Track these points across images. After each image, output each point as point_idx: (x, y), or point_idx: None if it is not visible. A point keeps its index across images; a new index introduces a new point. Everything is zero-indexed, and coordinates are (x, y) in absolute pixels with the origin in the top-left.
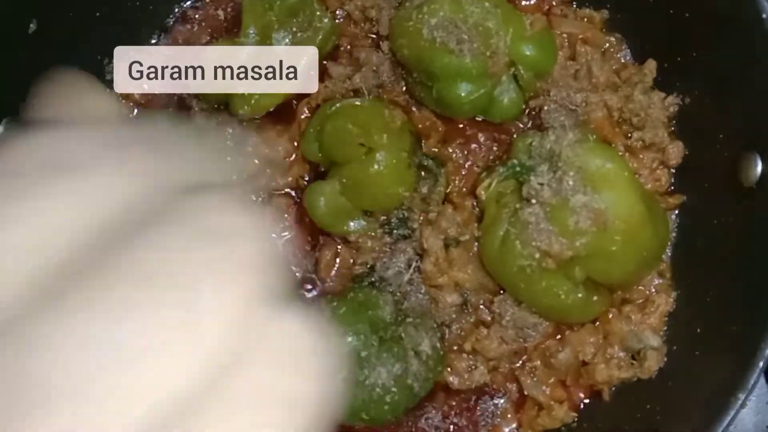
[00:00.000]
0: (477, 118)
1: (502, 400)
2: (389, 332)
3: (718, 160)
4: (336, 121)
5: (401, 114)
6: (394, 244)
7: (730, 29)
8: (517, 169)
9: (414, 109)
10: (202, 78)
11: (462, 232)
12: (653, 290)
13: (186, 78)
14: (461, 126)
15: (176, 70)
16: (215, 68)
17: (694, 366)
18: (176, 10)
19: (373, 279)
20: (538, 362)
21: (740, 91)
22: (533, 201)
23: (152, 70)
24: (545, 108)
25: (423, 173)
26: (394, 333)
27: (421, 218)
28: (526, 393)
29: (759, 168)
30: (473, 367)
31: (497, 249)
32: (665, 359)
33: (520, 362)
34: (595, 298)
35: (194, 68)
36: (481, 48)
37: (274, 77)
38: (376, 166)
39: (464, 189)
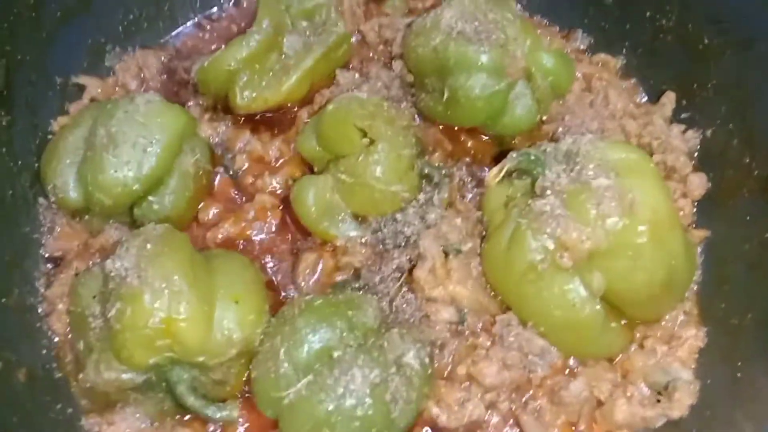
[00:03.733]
0: (485, 138)
1: None
2: (371, 339)
3: (748, 182)
4: (339, 104)
5: (408, 115)
6: (384, 252)
7: (755, 43)
8: (532, 157)
9: (421, 125)
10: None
11: (464, 240)
12: (678, 327)
13: (187, 75)
14: (468, 145)
15: (180, 67)
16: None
17: (732, 400)
18: (191, 16)
19: (356, 286)
20: (545, 400)
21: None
22: (548, 192)
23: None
24: (560, 130)
25: (425, 183)
26: (377, 341)
27: (420, 224)
28: None
29: None
30: (466, 398)
31: (504, 248)
32: (698, 394)
33: (523, 400)
34: (613, 324)
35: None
36: (500, 41)
37: (279, 72)
38: (376, 157)
39: (470, 203)
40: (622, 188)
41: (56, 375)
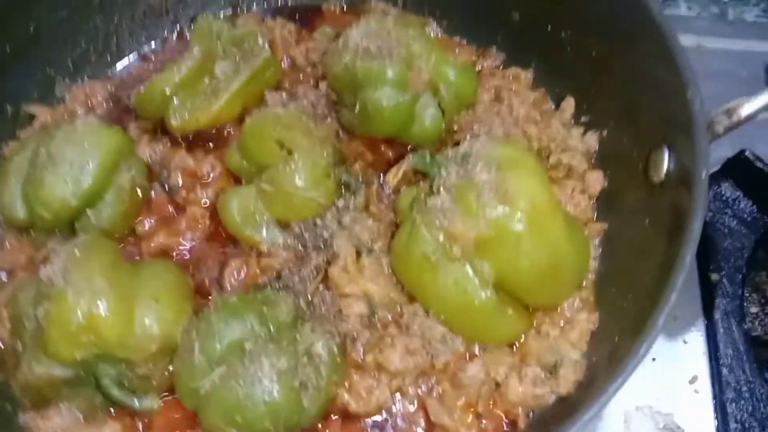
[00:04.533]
0: (403, 147)
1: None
2: (284, 333)
3: (634, 176)
4: (256, 119)
5: (327, 128)
6: (304, 254)
7: (634, 51)
8: (427, 159)
9: (344, 138)
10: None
11: (375, 240)
12: (574, 312)
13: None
14: (389, 155)
15: (123, 95)
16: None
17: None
18: (137, 48)
19: (277, 287)
20: (447, 384)
21: (650, 103)
22: (441, 190)
23: (102, 95)
24: (467, 137)
25: (344, 189)
26: (290, 334)
27: (336, 228)
28: (432, 420)
29: (666, 161)
30: (374, 385)
31: (404, 243)
32: (584, 371)
33: (428, 386)
34: (510, 311)
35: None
36: (401, 55)
37: (210, 94)
38: (293, 167)
39: (384, 203)
40: (500, 180)
41: None
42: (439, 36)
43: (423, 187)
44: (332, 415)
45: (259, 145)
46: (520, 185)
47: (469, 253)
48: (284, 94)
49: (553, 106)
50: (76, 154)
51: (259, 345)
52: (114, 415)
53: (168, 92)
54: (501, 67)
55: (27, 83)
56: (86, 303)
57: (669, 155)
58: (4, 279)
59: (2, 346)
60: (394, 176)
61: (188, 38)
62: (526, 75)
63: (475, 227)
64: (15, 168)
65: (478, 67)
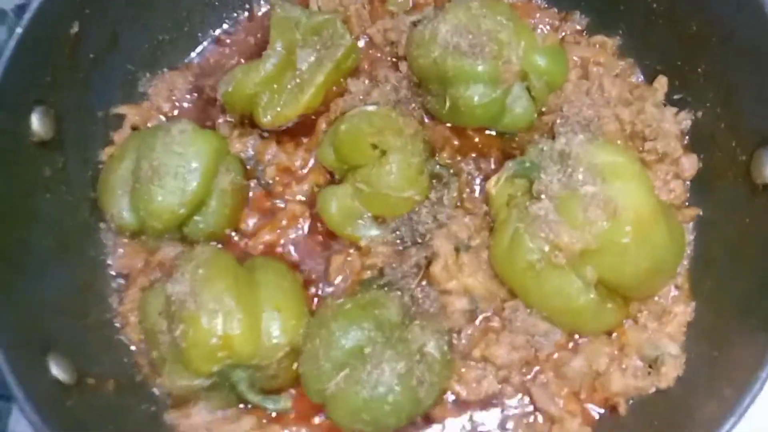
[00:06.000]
0: (491, 132)
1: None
2: (396, 333)
3: (733, 167)
4: (350, 123)
5: (415, 122)
6: (404, 250)
7: (736, 34)
8: (527, 165)
9: (429, 123)
10: (230, 89)
11: (473, 237)
12: (670, 302)
13: (214, 92)
14: (476, 141)
15: (206, 85)
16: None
17: (713, 371)
18: (210, 33)
19: (381, 283)
20: (551, 374)
21: (750, 94)
22: (543, 197)
23: (184, 86)
24: (557, 122)
25: (435, 181)
26: (401, 334)
27: (433, 223)
28: (538, 406)
29: None
30: (482, 376)
31: (506, 247)
32: (684, 367)
33: (532, 374)
34: (609, 305)
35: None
36: (493, 52)
37: (295, 88)
38: (388, 168)
39: (476, 197)
40: (607, 194)
41: (137, 379)
42: (518, 2)
43: (519, 185)
44: (443, 404)
45: (354, 148)
46: (627, 198)
47: (574, 260)
48: (366, 81)
49: (641, 79)
50: (177, 164)
51: (377, 350)
52: (247, 409)
53: (254, 90)
54: (585, 33)
55: (111, 86)
56: (220, 325)
57: None
58: (122, 282)
59: (134, 348)
60: (494, 185)
61: (259, 15)
62: (613, 43)
63: (582, 241)
64: (119, 180)
65: (561, 34)
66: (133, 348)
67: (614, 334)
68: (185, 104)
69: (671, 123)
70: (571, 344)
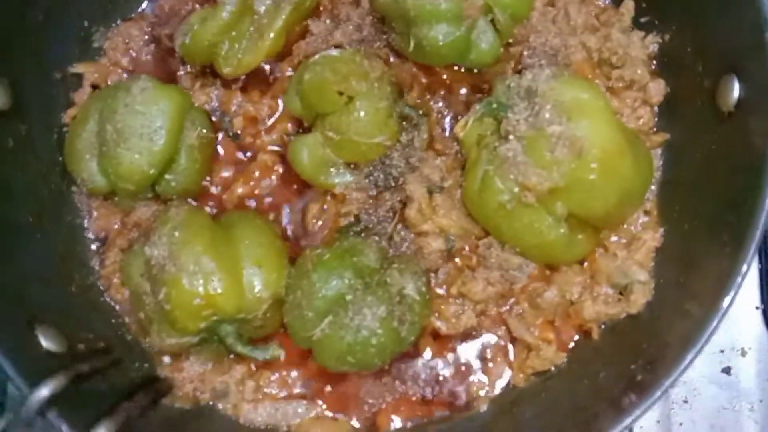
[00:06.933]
0: (459, 68)
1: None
2: (375, 278)
3: (699, 92)
4: (313, 72)
5: (381, 64)
6: (378, 195)
7: None
8: (494, 106)
9: (396, 61)
10: (188, 41)
11: (445, 177)
12: (639, 228)
13: (171, 42)
14: (444, 77)
15: (162, 35)
16: (198, 30)
17: (681, 293)
18: None
19: (358, 229)
20: (526, 304)
21: (717, 18)
22: (511, 137)
23: (140, 37)
24: (525, 53)
25: (405, 123)
26: (380, 279)
27: (405, 166)
28: (514, 335)
29: (736, 91)
30: (461, 311)
31: (477, 189)
32: (653, 293)
33: (508, 306)
34: (580, 236)
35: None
36: None
37: (255, 34)
38: (356, 115)
39: (447, 136)
40: (572, 133)
41: (127, 338)
42: None
43: (488, 123)
44: (425, 338)
45: (319, 96)
46: (593, 136)
47: (543, 198)
48: (328, 21)
49: (608, 1)
50: (142, 125)
51: (358, 297)
52: (238, 358)
53: (213, 39)
54: None
55: (65, 44)
56: (202, 286)
57: (739, 85)
58: (101, 245)
59: (118, 308)
60: (462, 128)
61: None
62: None
63: (550, 180)
64: (84, 144)
65: None
66: (117, 307)
67: (585, 263)
68: (144, 56)
69: (639, 48)
70: (545, 278)
